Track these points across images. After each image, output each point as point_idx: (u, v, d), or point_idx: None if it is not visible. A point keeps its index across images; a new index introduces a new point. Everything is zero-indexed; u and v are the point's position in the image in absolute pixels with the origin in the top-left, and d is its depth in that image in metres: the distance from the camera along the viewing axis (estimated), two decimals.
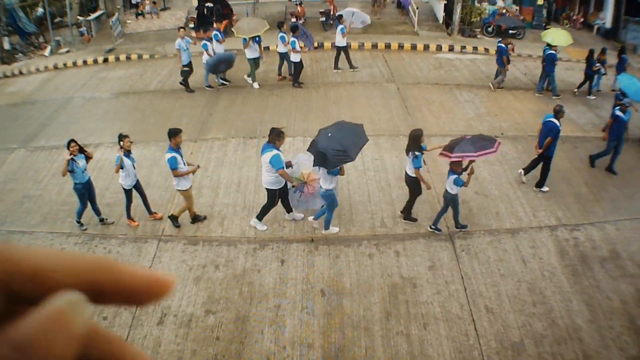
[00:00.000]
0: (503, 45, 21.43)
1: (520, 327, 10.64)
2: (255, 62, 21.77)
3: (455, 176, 12.01)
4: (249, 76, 22.42)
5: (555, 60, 21.25)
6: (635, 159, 15.46)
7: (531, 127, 18.71)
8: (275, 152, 12.09)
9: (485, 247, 12.81)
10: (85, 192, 13.26)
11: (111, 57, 27.44)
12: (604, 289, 11.66)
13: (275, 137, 12.22)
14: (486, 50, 27.86)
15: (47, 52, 29.41)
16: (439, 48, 27.95)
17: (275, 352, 10.15)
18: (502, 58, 21.59)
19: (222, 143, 17.28)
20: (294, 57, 21.32)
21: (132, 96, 22.12)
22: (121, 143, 12.83)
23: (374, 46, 27.85)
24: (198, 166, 13.43)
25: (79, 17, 32.60)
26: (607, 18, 32.45)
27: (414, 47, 27.68)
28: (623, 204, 14.63)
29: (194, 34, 22.22)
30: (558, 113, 14.32)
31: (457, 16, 29.80)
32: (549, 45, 21.21)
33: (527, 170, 15.14)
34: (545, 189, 14.82)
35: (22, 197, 15.09)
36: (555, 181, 15.15)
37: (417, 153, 12.19)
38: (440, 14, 31.52)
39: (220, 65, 21.04)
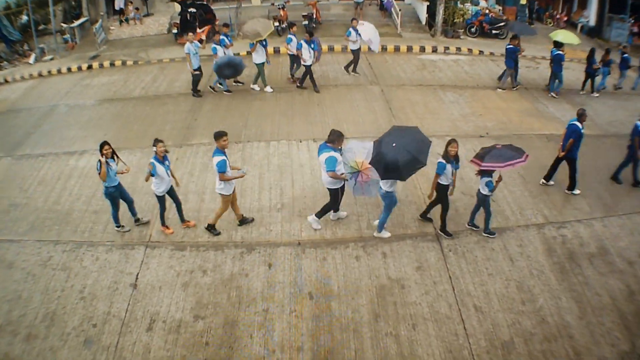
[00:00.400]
0: (512, 46, 21.66)
1: (509, 326, 10.66)
2: (259, 66, 21.66)
3: (488, 179, 12.15)
4: (255, 84, 22.33)
5: (563, 60, 21.55)
6: (619, 155, 15.50)
7: (515, 126, 18.85)
8: (332, 153, 12.11)
9: (472, 247, 12.83)
10: (118, 196, 13.10)
11: (95, 64, 27.29)
12: (593, 285, 11.72)
13: (336, 138, 12.22)
14: (469, 50, 28.01)
15: (31, 59, 29.25)
16: (422, 49, 28.04)
17: (264, 356, 10.12)
18: (512, 59, 21.97)
19: (207, 148, 17.20)
20: (307, 61, 21.29)
21: (116, 103, 22.00)
22: (154, 148, 12.58)
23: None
24: (245, 172, 13.10)
25: (62, 24, 32.45)
26: (591, 16, 32.71)
27: (397, 48, 27.73)
28: (609, 201, 14.70)
29: (203, 36, 21.92)
30: (581, 116, 14.46)
31: (440, 17, 29.97)
32: (556, 46, 21.47)
33: (549, 177, 15.19)
34: (576, 191, 14.90)
35: (8, 205, 14.97)
36: (541, 179, 15.26)
37: (441, 160, 12.14)
38: (423, 16, 31.61)
39: (226, 69, 20.71)
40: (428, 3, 31.33)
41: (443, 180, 12.42)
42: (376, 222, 13.28)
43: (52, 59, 29.10)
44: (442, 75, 24.21)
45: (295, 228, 13.56)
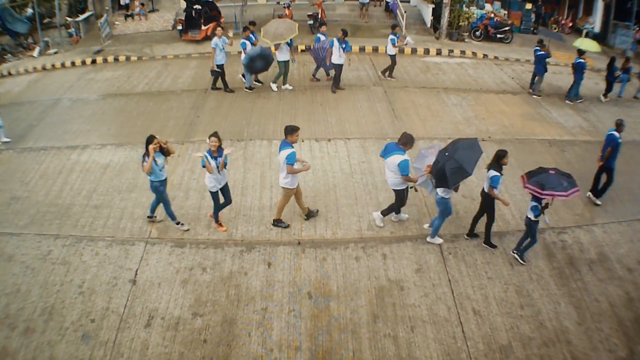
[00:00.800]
0: (543, 52, 21.79)
1: (508, 330, 10.65)
2: (285, 65, 21.63)
3: (535, 203, 11.76)
4: (274, 82, 22.29)
5: (584, 68, 21.59)
6: (621, 162, 15.47)
7: (518, 131, 18.83)
8: (406, 157, 12.12)
9: (472, 250, 12.82)
10: (164, 190, 12.98)
11: (99, 59, 27.34)
12: (592, 291, 11.71)
13: (408, 140, 12.21)
14: (474, 54, 28.00)
15: (35, 53, 29.27)
16: (427, 52, 28.07)
17: (262, 355, 10.11)
18: (543, 65, 22.09)
19: (209, 145, 17.20)
20: (336, 60, 21.21)
21: (119, 98, 22.02)
22: (208, 141, 12.53)
23: (362, 49, 27.94)
24: (309, 164, 13.22)
25: (67, 18, 32.47)
26: (596, 22, 32.68)
27: (401, 50, 27.70)
28: (610, 207, 14.69)
29: (231, 33, 21.85)
30: (619, 126, 14.47)
31: (445, 20, 29.93)
32: (579, 54, 21.66)
33: (594, 189, 15.06)
34: (598, 202, 14.88)
35: (9, 198, 14.97)
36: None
37: (496, 173, 11.97)
38: (429, 18, 31.61)
39: (258, 62, 20.57)
40: (434, 5, 31.34)
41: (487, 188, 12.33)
42: (426, 226, 13.32)
43: (56, 53, 29.13)
44: (446, 78, 24.21)
45: (295, 227, 13.55)
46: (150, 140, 12.38)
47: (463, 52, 28.15)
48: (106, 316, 10.92)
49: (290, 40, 20.88)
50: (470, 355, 10.13)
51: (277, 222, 13.61)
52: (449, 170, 11.23)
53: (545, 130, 19.11)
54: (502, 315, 10.99)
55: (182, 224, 13.55)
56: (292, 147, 12.40)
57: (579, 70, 21.54)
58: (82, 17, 32.00)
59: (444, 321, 10.84)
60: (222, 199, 13.22)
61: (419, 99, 21.53)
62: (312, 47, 22.22)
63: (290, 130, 12.42)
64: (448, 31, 30.35)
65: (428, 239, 13.04)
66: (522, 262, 12.44)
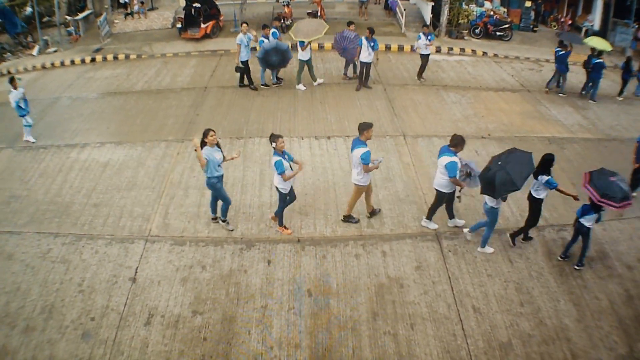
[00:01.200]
0: (564, 51, 21.90)
1: (507, 327, 10.65)
2: (305, 64, 21.62)
3: (601, 212, 11.68)
4: (315, 81, 22.33)
5: (604, 67, 21.84)
6: (620, 160, 15.47)
7: (517, 129, 18.83)
8: (454, 158, 12.01)
9: (472, 247, 12.81)
10: (221, 187, 12.79)
11: (98, 57, 27.31)
12: (592, 289, 11.71)
13: (459, 142, 12.12)
14: (473, 52, 27.99)
15: (35, 51, 29.25)
16: None
17: (262, 353, 10.11)
18: (565, 64, 22.19)
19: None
20: (365, 58, 21.25)
21: (118, 96, 22.01)
22: (273, 144, 12.27)
23: None
24: (381, 160, 13.03)
25: (67, 16, 32.40)
26: (595, 20, 32.62)
27: (401, 48, 27.73)
28: None
29: (254, 32, 21.90)
30: None
31: (444, 18, 29.92)
32: (596, 54, 21.88)
33: (633, 188, 14.70)
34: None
35: (8, 196, 14.96)
36: None
37: (547, 178, 11.93)
38: (428, 16, 31.56)
39: (272, 56, 20.44)
40: (433, 3, 31.31)
41: (542, 195, 12.29)
42: (466, 230, 13.17)
43: (55, 51, 29.11)
44: (445, 76, 24.21)
45: (295, 225, 13.54)
46: (206, 133, 12.13)
47: (462, 49, 28.14)
48: (106, 314, 10.92)
49: (301, 41, 20.82)
50: (470, 352, 10.13)
51: (348, 218, 13.61)
52: (498, 180, 11.22)
53: (545, 128, 19.11)
54: (501, 312, 10.99)
55: (229, 223, 13.50)
56: (366, 146, 12.29)
57: (597, 69, 21.69)
58: (81, 15, 31.97)
59: (443, 318, 10.84)
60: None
61: (419, 96, 21.54)
62: (334, 39, 22.15)
63: (364, 128, 12.31)
64: (447, 29, 30.33)
65: (479, 249, 12.84)
66: (580, 267, 12.36)
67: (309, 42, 20.72)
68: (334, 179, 15.30)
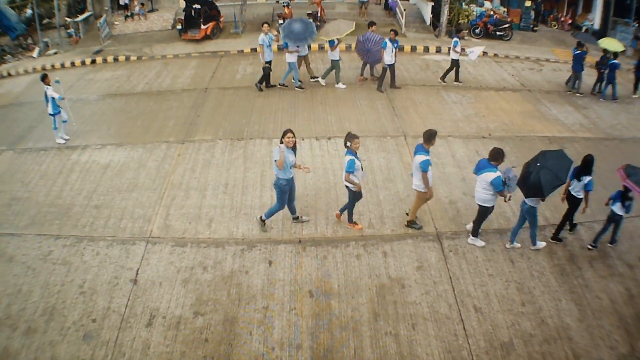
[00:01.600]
0: (580, 51, 22.20)
1: (509, 327, 10.64)
2: (336, 63, 21.81)
3: (626, 199, 12.23)
4: (338, 82, 22.37)
5: (618, 68, 22.03)
6: (620, 159, 15.46)
7: (518, 128, 18.83)
8: (498, 174, 11.75)
9: (473, 247, 12.81)
10: (287, 190, 12.68)
11: (99, 59, 27.35)
12: (593, 288, 11.69)
13: (498, 155, 11.90)
14: None
15: (35, 53, 29.29)
16: (426, 49, 28.07)
17: (264, 354, 10.10)
18: (581, 65, 22.44)
19: (209, 145, 17.22)
20: (388, 60, 21.27)
21: (119, 98, 22.03)
22: (348, 144, 12.26)
23: None
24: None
25: (67, 18, 32.48)
26: (595, 19, 32.64)
27: (401, 48, 27.67)
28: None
29: (275, 32, 21.91)
30: None
31: (444, 18, 29.89)
32: (612, 55, 22.10)
33: None
34: None
35: (9, 199, 14.97)
36: None
37: (589, 178, 12.26)
38: (428, 16, 31.58)
39: (295, 24, 20.66)
40: (433, 3, 31.32)
41: (580, 194, 12.57)
42: (508, 245, 13.00)
43: (55, 53, 29.16)
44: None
45: (296, 226, 13.54)
46: (285, 134, 12.17)
47: (463, 49, 28.08)
48: (107, 316, 10.92)
49: (331, 40, 21.06)
50: (471, 352, 10.12)
51: (411, 224, 13.50)
52: (544, 179, 11.32)
53: (545, 128, 19.10)
54: (503, 312, 10.98)
55: (302, 217, 13.73)
56: (428, 154, 12.30)
57: (612, 70, 21.87)
58: (81, 17, 32.02)
59: (445, 318, 10.83)
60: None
61: (419, 96, 21.53)
62: (357, 41, 22.25)
63: (429, 137, 12.35)
64: (447, 29, 30.31)
65: (531, 247, 12.80)
66: (614, 244, 12.98)
67: (339, 42, 21.02)
68: (334, 180, 15.29)
